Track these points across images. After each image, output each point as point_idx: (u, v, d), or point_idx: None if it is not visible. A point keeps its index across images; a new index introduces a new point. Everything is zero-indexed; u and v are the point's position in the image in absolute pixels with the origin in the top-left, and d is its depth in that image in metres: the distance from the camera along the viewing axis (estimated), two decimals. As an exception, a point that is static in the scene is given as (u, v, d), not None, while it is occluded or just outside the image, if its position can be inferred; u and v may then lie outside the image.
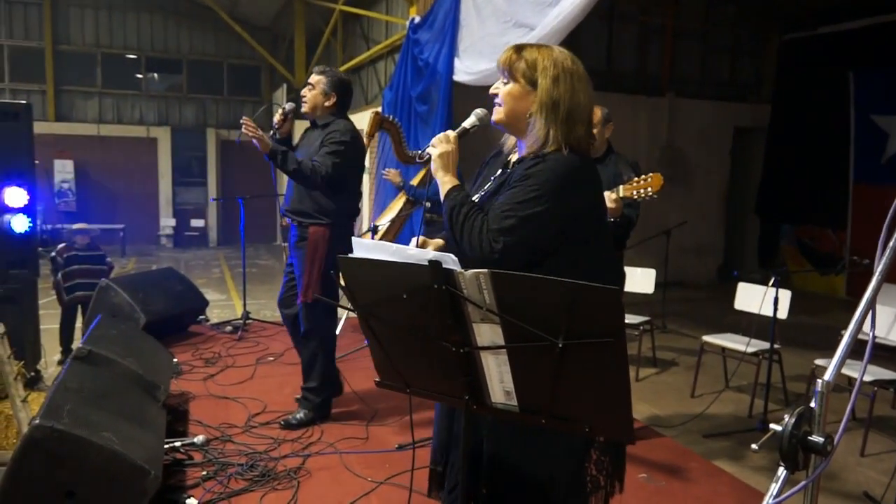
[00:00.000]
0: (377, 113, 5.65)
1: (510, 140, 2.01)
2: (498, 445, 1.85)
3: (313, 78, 3.91)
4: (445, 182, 1.88)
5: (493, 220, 1.75)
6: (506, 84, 1.88)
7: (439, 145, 1.92)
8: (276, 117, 3.93)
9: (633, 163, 3.59)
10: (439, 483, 2.03)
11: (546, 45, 1.90)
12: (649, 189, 2.97)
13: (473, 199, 1.91)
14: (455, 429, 1.93)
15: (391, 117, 5.87)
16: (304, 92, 3.93)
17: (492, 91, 1.91)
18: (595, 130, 3.44)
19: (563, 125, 1.80)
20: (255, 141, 3.54)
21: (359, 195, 4.17)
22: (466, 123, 2.01)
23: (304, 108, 3.93)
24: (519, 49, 1.87)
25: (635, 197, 3.04)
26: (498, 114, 1.90)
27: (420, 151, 2.05)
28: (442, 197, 1.88)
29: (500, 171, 1.98)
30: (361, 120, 5.87)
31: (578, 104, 1.82)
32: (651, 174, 2.99)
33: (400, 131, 5.72)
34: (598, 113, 3.48)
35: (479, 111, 2.02)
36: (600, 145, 3.60)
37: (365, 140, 5.83)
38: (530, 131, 1.84)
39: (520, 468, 1.83)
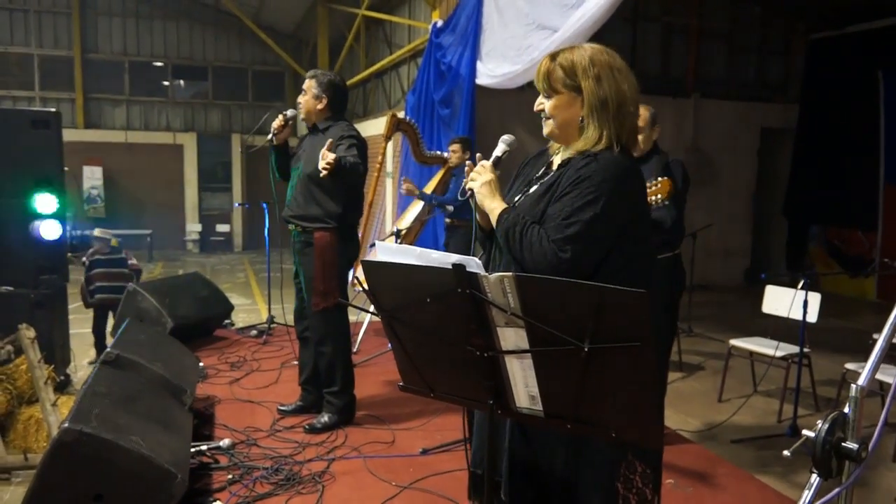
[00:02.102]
0: (393, 115, 5.69)
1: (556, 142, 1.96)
2: (542, 452, 1.81)
3: (305, 83, 3.88)
4: (494, 209, 1.84)
5: (555, 230, 1.71)
6: (548, 98, 1.84)
7: (479, 178, 1.87)
8: (276, 123, 3.87)
9: (666, 164, 3.52)
10: (479, 487, 1.95)
11: (577, 45, 1.85)
12: (658, 195, 2.92)
13: (515, 200, 1.89)
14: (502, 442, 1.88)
15: (408, 118, 5.91)
16: (299, 99, 3.90)
17: (536, 108, 1.87)
18: (641, 124, 3.39)
19: (615, 121, 1.77)
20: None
21: (363, 198, 4.13)
22: (497, 152, 1.96)
23: (301, 115, 3.92)
24: (553, 57, 1.83)
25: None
26: (549, 127, 1.86)
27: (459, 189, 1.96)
28: (494, 224, 1.84)
29: (541, 171, 1.94)
30: (383, 125, 5.89)
31: (624, 95, 1.79)
32: (660, 179, 2.92)
33: (417, 132, 5.75)
34: (644, 114, 3.43)
35: (506, 137, 1.98)
36: (646, 146, 3.55)
37: (383, 142, 5.88)
38: (583, 135, 1.80)
39: (562, 475, 1.79)
